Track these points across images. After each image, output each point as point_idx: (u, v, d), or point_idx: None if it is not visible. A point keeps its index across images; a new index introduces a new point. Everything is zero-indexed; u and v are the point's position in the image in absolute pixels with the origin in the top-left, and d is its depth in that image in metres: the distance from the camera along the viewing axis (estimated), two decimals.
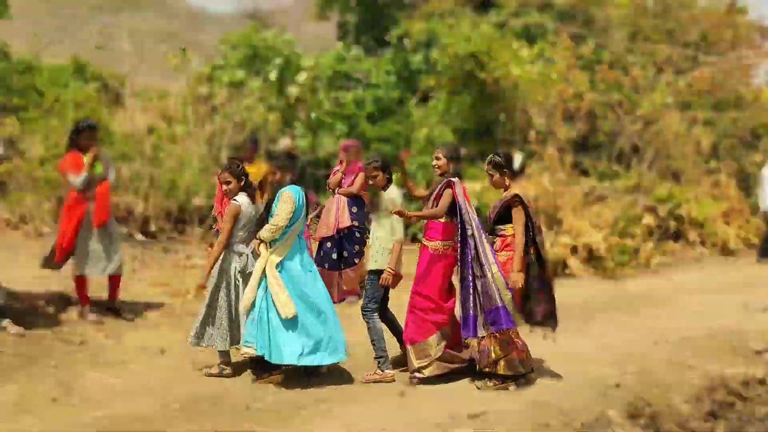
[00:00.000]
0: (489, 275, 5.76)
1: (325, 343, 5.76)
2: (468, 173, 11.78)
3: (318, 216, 7.78)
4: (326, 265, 7.33)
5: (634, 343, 7.39)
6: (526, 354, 5.93)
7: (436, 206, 5.93)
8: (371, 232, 6.23)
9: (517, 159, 6.04)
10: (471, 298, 5.82)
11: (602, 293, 9.78)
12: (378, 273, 6.04)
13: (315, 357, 5.73)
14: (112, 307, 7.61)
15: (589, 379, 6.24)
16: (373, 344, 6.05)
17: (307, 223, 7.67)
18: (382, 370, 6.03)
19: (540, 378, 6.21)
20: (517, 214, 5.85)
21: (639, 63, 14.55)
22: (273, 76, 13.25)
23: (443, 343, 5.94)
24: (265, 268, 5.72)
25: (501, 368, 5.83)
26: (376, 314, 6.08)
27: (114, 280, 7.56)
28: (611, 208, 11.57)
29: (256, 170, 8.87)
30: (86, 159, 7.17)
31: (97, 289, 7.91)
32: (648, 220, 11.69)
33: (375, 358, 6.06)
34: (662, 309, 8.90)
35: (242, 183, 6.03)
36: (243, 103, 12.56)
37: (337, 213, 7.46)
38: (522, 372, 5.89)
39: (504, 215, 5.94)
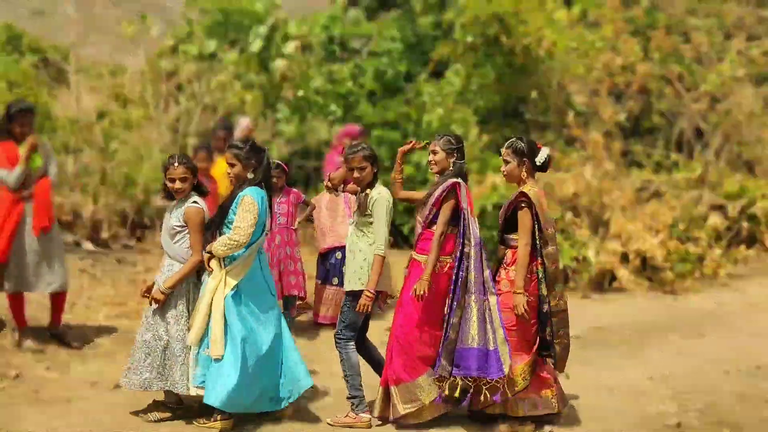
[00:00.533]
0: (474, 307, 5.67)
1: (267, 389, 5.83)
2: (492, 164, 11.78)
3: (310, 219, 7.80)
4: (335, 281, 7.37)
5: (699, 372, 7.39)
6: (552, 392, 5.89)
7: (434, 213, 5.86)
8: (349, 242, 6.06)
9: (543, 153, 5.96)
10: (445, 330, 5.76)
11: (659, 311, 9.77)
12: (356, 294, 5.89)
13: (252, 403, 5.76)
14: (55, 333, 7.61)
15: (644, 418, 6.24)
16: (346, 380, 5.97)
17: (294, 227, 7.74)
18: (356, 413, 5.94)
19: (583, 417, 6.20)
20: (523, 218, 5.74)
21: (703, 27, 14.52)
22: (255, 47, 13.26)
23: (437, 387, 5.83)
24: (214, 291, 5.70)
25: (511, 410, 5.80)
26: (352, 343, 5.99)
27: (57, 299, 7.57)
28: (669, 206, 11.55)
29: None
30: (21, 150, 7.18)
31: (37, 310, 7.92)
32: (715, 221, 11.67)
33: (348, 397, 5.98)
34: (733, 330, 8.90)
35: (195, 180, 5.98)
36: (215, 81, 12.58)
37: (348, 217, 7.51)
38: (537, 413, 5.85)
39: (513, 220, 5.85)
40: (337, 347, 5.99)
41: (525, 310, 5.62)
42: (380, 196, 5.88)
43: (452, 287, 5.74)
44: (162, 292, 5.75)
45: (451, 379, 5.69)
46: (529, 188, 5.80)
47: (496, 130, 13.15)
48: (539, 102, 13.37)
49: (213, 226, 5.85)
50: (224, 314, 5.67)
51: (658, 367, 7.53)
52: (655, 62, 13.52)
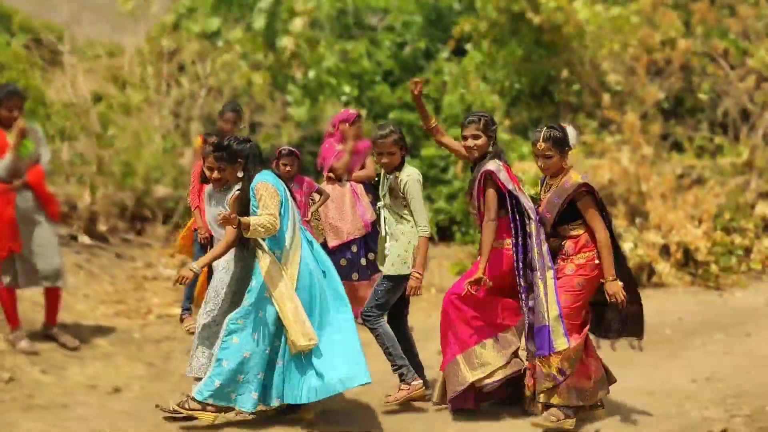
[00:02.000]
0: (540, 285, 5.89)
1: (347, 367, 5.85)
2: (519, 150, 11.74)
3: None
4: (355, 276, 7.44)
5: (746, 375, 7.34)
6: (594, 383, 5.99)
7: (482, 203, 6.00)
8: (386, 226, 6.33)
9: (572, 134, 6.03)
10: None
11: (702, 308, 9.73)
12: (397, 279, 6.19)
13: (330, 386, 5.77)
14: (50, 333, 7.64)
15: (688, 424, 6.21)
16: (388, 353, 6.23)
17: (308, 218, 7.74)
18: (408, 383, 6.19)
19: (622, 423, 6.18)
20: (589, 206, 5.92)
21: None
22: (259, 24, 13.26)
23: (511, 349, 6.06)
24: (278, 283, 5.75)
25: (557, 397, 5.88)
26: (383, 320, 6.27)
27: (52, 297, 7.60)
28: (714, 194, 11.48)
29: None
30: (10, 137, 7.20)
31: (31, 309, 7.95)
32: (763, 209, 11.60)
33: (395, 370, 6.23)
34: None
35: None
36: (219, 61, 12.58)
37: (359, 206, 7.55)
38: (580, 404, 5.93)
39: (566, 212, 5.98)
40: (366, 324, 6.21)
41: (619, 293, 5.87)
42: (410, 177, 6.18)
43: (519, 270, 5.93)
44: (190, 269, 5.86)
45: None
46: (578, 176, 5.97)
47: (523, 114, 13.09)
48: (571, 82, 13.29)
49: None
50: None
51: (702, 368, 7.50)
52: (697, 37, 13.41)
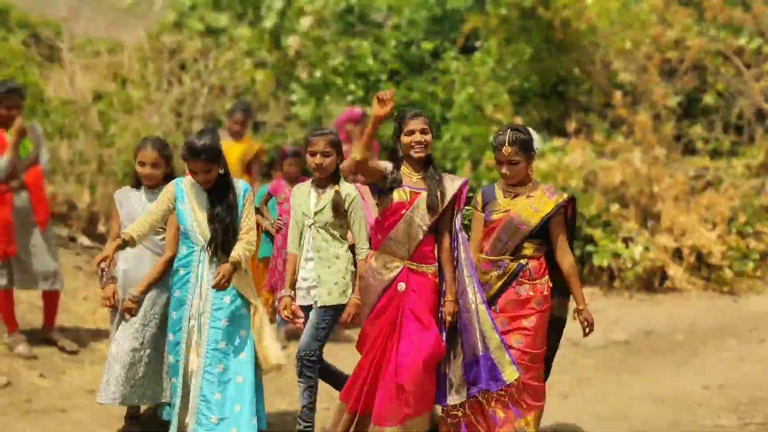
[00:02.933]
0: (473, 308, 5.37)
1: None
2: None
3: None
4: None
5: (760, 382, 7.35)
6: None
7: (447, 216, 5.53)
8: (315, 248, 5.67)
9: (536, 138, 5.54)
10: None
11: (716, 313, 9.73)
12: (337, 309, 5.62)
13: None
14: (49, 336, 7.67)
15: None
16: (307, 410, 5.67)
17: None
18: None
19: (633, 428, 6.19)
20: (562, 224, 5.52)
21: None
22: (270, 22, 13.25)
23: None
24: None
25: None
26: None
27: (51, 299, 7.62)
28: (728, 196, 11.46)
29: (247, 147, 8.94)
30: (9, 135, 7.20)
31: (28, 312, 7.98)
32: None
33: (311, 408, 5.70)
34: None
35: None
36: (222, 59, 12.59)
37: (365, 207, 7.56)
38: None
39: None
40: (306, 373, 5.59)
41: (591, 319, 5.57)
42: (356, 193, 5.73)
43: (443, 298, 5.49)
44: (131, 300, 5.65)
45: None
46: (543, 186, 5.59)
47: (533, 113, 13.09)
48: (582, 81, 13.29)
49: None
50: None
51: (714, 375, 7.50)
52: (711, 36, 13.40)
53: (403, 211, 5.43)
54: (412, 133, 5.47)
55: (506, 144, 5.40)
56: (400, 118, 5.52)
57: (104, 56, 13.29)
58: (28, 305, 8.06)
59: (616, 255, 10.45)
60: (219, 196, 5.46)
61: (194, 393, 5.42)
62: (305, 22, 13.28)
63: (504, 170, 5.46)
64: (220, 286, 5.28)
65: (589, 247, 10.51)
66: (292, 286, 5.67)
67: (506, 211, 5.47)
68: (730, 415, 6.53)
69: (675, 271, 10.55)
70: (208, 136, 5.36)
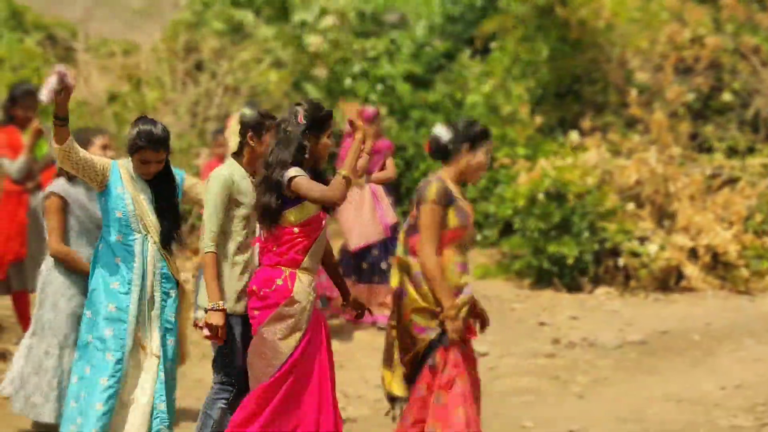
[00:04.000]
0: None
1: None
2: (543, 149, 11.73)
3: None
4: (375, 278, 7.47)
5: None
6: None
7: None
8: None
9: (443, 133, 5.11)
10: None
11: (732, 313, 9.69)
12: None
13: None
14: None
15: None
16: None
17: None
18: None
19: (648, 429, 6.18)
20: None
21: None
22: (298, 18, 13.21)
23: None
24: None
25: None
26: None
27: None
28: (744, 195, 11.41)
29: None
30: (26, 137, 7.24)
31: None
32: None
33: None
34: None
35: None
36: (238, 59, 12.61)
37: (379, 209, 7.56)
38: None
39: None
40: (215, 406, 5.09)
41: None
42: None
43: None
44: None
45: None
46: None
47: (550, 113, 13.08)
48: (598, 80, 13.27)
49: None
50: None
51: (731, 375, 7.48)
52: (728, 34, 13.36)
53: None
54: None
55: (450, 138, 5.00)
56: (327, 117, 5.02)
57: (119, 57, 13.35)
58: None
59: (632, 254, 10.42)
60: (166, 183, 5.19)
61: (150, 394, 5.03)
62: (328, 20, 13.26)
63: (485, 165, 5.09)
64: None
65: (607, 244, 10.46)
66: None
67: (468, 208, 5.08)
68: (746, 415, 6.51)
69: (691, 270, 10.51)
70: (159, 123, 5.07)
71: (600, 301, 10.00)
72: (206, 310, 4.87)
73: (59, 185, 5.74)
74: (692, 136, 12.63)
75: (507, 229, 11.40)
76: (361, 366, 7.35)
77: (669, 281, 10.50)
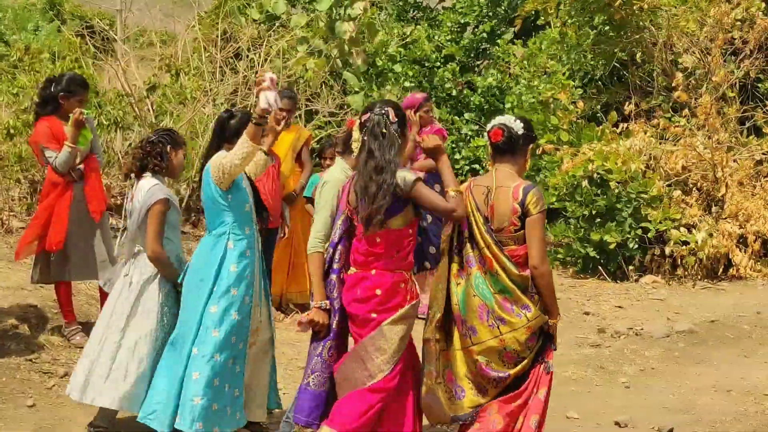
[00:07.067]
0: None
1: None
2: (586, 134, 11.63)
3: None
4: (428, 264, 7.60)
5: None
6: None
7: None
8: None
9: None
10: None
11: None
12: None
13: None
14: None
15: (767, 422, 6.13)
16: None
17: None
18: None
19: (697, 421, 6.13)
20: None
21: None
22: (324, 5, 13.21)
23: None
24: None
25: None
26: None
27: (106, 296, 7.73)
28: None
29: (296, 135, 8.95)
30: (68, 128, 7.25)
31: (84, 302, 8.10)
32: None
33: None
34: None
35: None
36: (275, 47, 12.62)
37: None
38: None
39: None
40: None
41: None
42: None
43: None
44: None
45: None
46: None
47: (593, 97, 12.98)
48: (645, 63, 13.13)
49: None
50: None
51: None
52: None
53: None
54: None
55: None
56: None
57: (157, 47, 13.41)
58: (86, 296, 8.19)
59: (679, 242, 10.31)
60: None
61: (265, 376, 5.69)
62: (359, 6, 13.22)
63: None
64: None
65: (651, 232, 10.36)
66: None
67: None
68: None
69: (740, 258, 10.38)
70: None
71: (646, 290, 9.91)
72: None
73: (166, 190, 5.90)
74: (740, 121, 12.47)
75: (551, 217, 11.30)
76: None
77: (717, 269, 10.37)
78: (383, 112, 4.90)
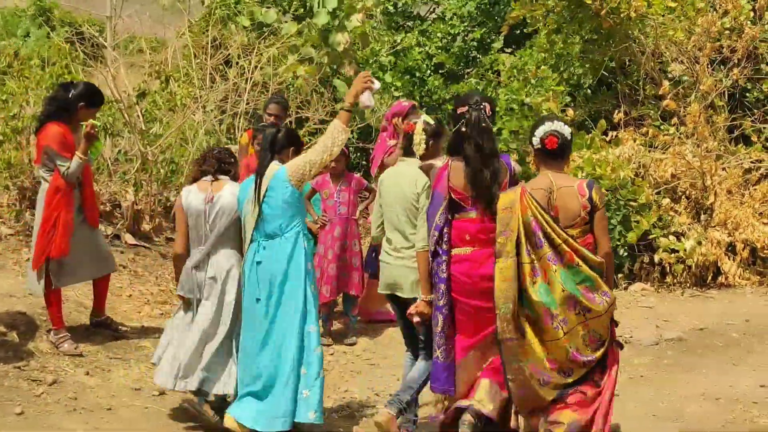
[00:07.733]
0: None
1: None
2: (576, 142, 11.63)
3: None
4: None
5: None
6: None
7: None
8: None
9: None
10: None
11: None
12: None
13: None
14: (100, 321, 7.86)
15: (755, 431, 6.13)
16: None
17: (356, 217, 7.85)
18: None
19: (686, 427, 6.13)
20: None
21: None
22: (322, 20, 13.22)
23: None
24: None
25: None
26: None
27: (102, 284, 7.83)
28: None
29: None
30: (77, 138, 7.28)
31: (73, 309, 8.08)
32: None
33: None
34: None
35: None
36: (266, 55, 12.62)
37: None
38: None
39: None
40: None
41: None
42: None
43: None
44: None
45: None
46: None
47: (582, 105, 13.00)
48: (632, 72, 13.16)
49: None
50: None
51: None
52: (765, 23, 13.22)
53: None
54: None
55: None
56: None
57: (147, 54, 13.40)
58: (74, 303, 8.16)
59: (669, 250, 10.33)
60: None
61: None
62: (356, 18, 13.24)
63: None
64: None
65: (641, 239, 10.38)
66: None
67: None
68: None
69: (728, 266, 10.40)
70: None
71: (635, 298, 9.92)
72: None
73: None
74: (729, 129, 12.51)
75: None
76: (394, 365, 7.33)
77: (706, 277, 10.39)
78: (480, 107, 5.56)
